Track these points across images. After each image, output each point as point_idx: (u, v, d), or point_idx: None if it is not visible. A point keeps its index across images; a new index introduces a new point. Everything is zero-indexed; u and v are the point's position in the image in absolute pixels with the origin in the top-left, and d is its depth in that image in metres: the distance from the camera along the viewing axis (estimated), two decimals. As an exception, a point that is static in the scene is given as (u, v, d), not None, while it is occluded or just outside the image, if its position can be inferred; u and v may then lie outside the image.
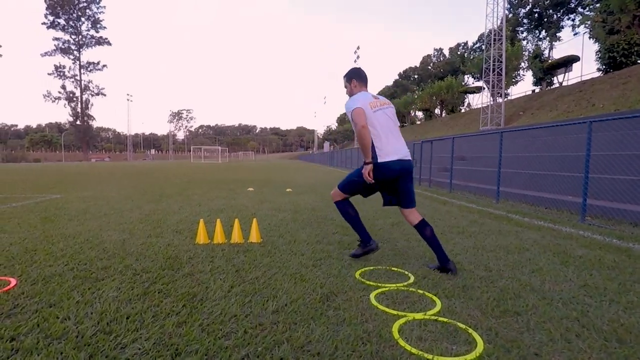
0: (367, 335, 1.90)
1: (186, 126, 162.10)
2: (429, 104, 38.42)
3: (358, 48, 46.33)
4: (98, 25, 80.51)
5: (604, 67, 19.06)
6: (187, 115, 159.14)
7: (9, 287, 2.48)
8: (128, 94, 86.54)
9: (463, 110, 35.90)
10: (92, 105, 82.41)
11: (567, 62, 21.47)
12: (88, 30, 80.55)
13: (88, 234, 4.29)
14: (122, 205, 6.80)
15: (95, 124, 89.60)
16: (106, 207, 6.54)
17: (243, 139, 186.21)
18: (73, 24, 78.95)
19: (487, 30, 19.11)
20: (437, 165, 12.68)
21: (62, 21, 78.31)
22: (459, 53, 46.15)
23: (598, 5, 21.23)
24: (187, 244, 3.81)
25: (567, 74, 21.88)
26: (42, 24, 78.08)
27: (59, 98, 79.39)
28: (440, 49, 53.23)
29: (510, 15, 18.49)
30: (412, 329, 1.98)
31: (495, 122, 17.54)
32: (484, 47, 36.32)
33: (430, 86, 38.92)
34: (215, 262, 3.18)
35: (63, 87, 79.81)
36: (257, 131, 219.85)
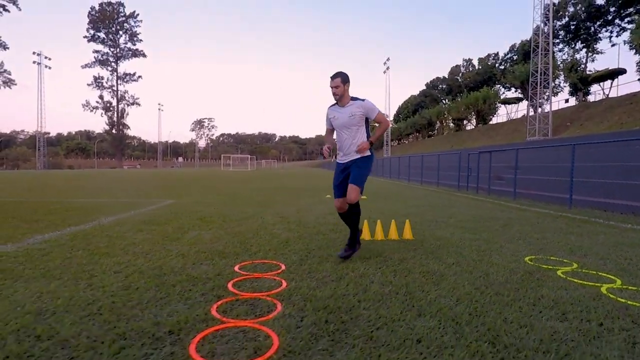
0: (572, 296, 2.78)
1: (208, 134, 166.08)
2: (463, 114, 38.86)
3: (388, 59, 47.33)
4: (135, 38, 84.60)
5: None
6: (208, 124, 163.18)
7: (280, 270, 3.37)
8: (159, 104, 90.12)
9: (495, 121, 36.18)
10: (127, 114, 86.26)
11: (613, 74, 21.78)
12: (125, 43, 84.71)
13: (267, 227, 5.31)
14: (249, 209, 7.88)
15: (129, 132, 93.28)
16: (237, 209, 7.62)
17: (264, 147, 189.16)
18: (112, 37, 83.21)
19: (534, 43, 19.69)
20: (480, 174, 13.36)
21: (102, 34, 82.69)
22: (489, 63, 46.43)
23: (637, 17, 21.58)
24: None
25: (611, 85, 22.17)
26: (83, 37, 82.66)
27: (97, 107, 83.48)
28: (469, 59, 53.59)
29: (547, 28, 18.94)
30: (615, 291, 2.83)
31: (542, 132, 18.04)
32: (517, 57, 36.72)
33: (466, 96, 39.36)
34: (402, 250, 4.12)
35: (101, 97, 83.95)
36: (276, 139, 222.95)
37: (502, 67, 42.34)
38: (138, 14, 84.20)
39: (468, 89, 45.91)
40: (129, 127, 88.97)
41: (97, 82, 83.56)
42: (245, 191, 13.11)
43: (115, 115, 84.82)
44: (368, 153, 3.60)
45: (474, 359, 1.74)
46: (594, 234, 5.21)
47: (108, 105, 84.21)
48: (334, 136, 3.73)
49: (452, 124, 43.74)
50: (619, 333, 2.04)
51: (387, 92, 48.64)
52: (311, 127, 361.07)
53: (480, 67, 48.46)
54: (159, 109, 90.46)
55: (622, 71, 21.14)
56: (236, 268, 3.28)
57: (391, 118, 57.09)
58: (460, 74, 53.01)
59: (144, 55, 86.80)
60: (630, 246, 4.42)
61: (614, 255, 3.94)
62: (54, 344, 1.86)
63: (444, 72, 61.25)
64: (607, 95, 21.93)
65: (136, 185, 16.39)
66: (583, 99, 25.77)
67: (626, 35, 21.36)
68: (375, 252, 3.94)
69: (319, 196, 11.02)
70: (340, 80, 3.45)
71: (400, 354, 1.78)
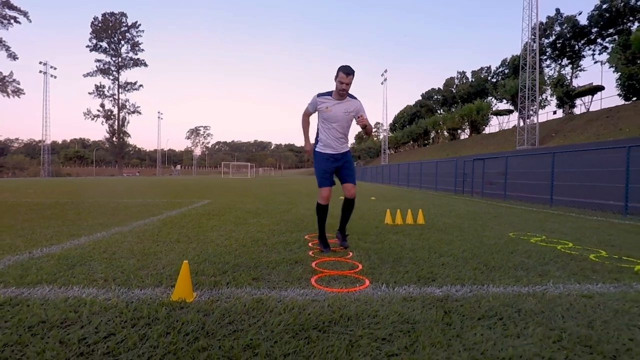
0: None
1: (203, 142, 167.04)
2: (457, 124, 40.76)
3: (385, 71, 49.26)
4: (137, 48, 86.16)
5: (624, 92, 21.26)
6: (204, 132, 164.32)
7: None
8: (159, 112, 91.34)
9: (487, 131, 38.00)
10: (128, 122, 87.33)
11: (594, 90, 23.72)
12: (127, 52, 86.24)
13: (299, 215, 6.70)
14: (282, 206, 9.26)
15: (130, 140, 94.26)
16: (272, 206, 9.00)
17: (260, 155, 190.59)
18: (114, 47, 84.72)
19: (523, 59, 21.48)
20: (467, 179, 14.87)
21: (104, 44, 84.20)
22: (482, 76, 48.59)
23: (617, 37, 23.51)
24: (379, 224, 6.18)
25: (591, 99, 24.14)
26: (86, 46, 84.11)
27: (98, 116, 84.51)
28: (463, 72, 55.86)
29: (534, 45, 20.70)
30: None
31: (530, 142, 19.70)
32: (508, 71, 38.79)
33: (460, 107, 41.38)
34: (409, 231, 5.54)
35: (102, 105, 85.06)
36: (272, 147, 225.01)
37: (494, 80, 44.53)
38: (140, 24, 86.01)
39: (462, 100, 48.00)
40: (129, 135, 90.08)
41: (99, 90, 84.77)
42: (264, 194, 14.47)
43: (116, 123, 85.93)
44: (348, 147, 3.90)
45: (475, 273, 3.14)
46: (564, 222, 6.67)
47: (109, 113, 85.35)
48: (323, 125, 3.74)
49: (447, 134, 45.64)
50: (562, 263, 3.47)
51: (385, 102, 50.54)
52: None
53: (473, 80, 50.64)
54: (159, 117, 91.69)
55: (601, 88, 23.08)
56: (306, 237, 4.67)
57: (387, 127, 58.99)
58: (455, 86, 55.21)
59: (145, 65, 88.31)
60: (589, 228, 5.88)
61: (575, 233, 5.39)
62: (236, 267, 3.25)
63: (439, 84, 63.44)
64: (588, 109, 23.82)
65: (161, 190, 17.67)
66: (569, 111, 27.60)
67: (607, 54, 23.32)
68: (399, 230, 5.35)
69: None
70: (352, 78, 3.48)
71: (431, 267, 3.20)
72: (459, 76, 55.28)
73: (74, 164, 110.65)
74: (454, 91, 53.77)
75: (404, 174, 25.27)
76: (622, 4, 27.04)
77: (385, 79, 49.77)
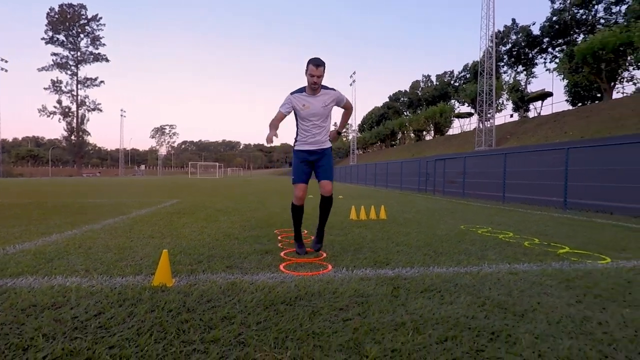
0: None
1: (169, 142, 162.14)
2: (422, 126, 42.29)
3: (354, 73, 50.17)
4: (97, 42, 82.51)
5: (570, 98, 23.13)
6: (170, 131, 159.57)
7: (305, 232, 5.12)
8: (122, 110, 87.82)
9: (451, 133, 39.73)
10: (87, 120, 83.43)
11: (543, 96, 25.58)
12: (87, 46, 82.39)
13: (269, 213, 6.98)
14: (252, 205, 9.46)
15: (89, 139, 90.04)
16: (242, 205, 9.18)
17: (229, 155, 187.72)
18: (72, 40, 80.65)
19: (480, 66, 22.78)
20: (433, 178, 15.73)
21: (61, 37, 79.97)
22: (445, 80, 50.67)
23: (565, 49, 25.44)
24: (345, 219, 6.57)
25: (542, 104, 26.06)
26: (41, 39, 79.50)
27: (54, 113, 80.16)
28: (428, 75, 57.92)
29: (492, 53, 22.19)
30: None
31: (487, 143, 20.96)
32: (469, 76, 40.74)
33: (425, 109, 43.00)
34: (371, 225, 5.98)
35: (59, 102, 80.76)
36: (241, 147, 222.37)
37: (456, 84, 46.59)
38: (101, 18, 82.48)
39: (427, 103, 49.83)
40: (89, 134, 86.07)
41: (56, 86, 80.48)
42: (234, 193, 14.56)
43: (75, 121, 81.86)
44: (331, 143, 3.72)
45: (424, 257, 3.57)
46: (511, 216, 7.36)
47: (67, 110, 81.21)
48: (301, 124, 3.58)
49: (413, 135, 47.25)
50: (499, 249, 3.99)
51: (354, 103, 51.53)
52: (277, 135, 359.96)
53: (437, 83, 52.68)
54: (122, 115, 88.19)
55: (550, 94, 24.98)
56: (276, 231, 4.97)
57: (357, 128, 60.14)
58: (420, 89, 57.17)
59: (107, 60, 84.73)
60: (531, 221, 6.56)
61: (517, 225, 6.03)
62: (210, 257, 3.51)
63: (406, 86, 65.35)
64: (539, 113, 25.69)
65: (127, 190, 17.27)
66: (524, 115, 29.45)
67: (556, 63, 25.28)
68: (363, 225, 5.76)
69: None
70: (323, 69, 3.36)
71: (387, 254, 3.60)
72: (424, 79, 57.35)
73: (26, 164, 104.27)
74: (420, 94, 55.73)
75: (371, 173, 26.02)
76: (569, 17, 29.29)
77: (354, 81, 50.76)
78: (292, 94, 3.50)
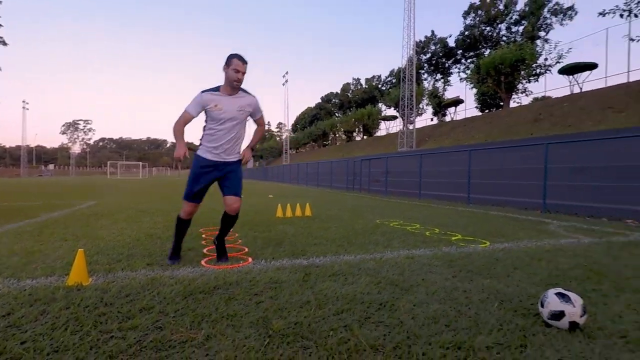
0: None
1: (83, 138, 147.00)
2: (352, 127, 44.01)
3: (287, 73, 50.45)
4: (-9, 25, 71.75)
5: (479, 106, 26.05)
6: (84, 127, 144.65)
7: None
8: (24, 101, 77.83)
9: (379, 134, 41.92)
10: (-21, 113, 72.20)
11: (457, 103, 28.41)
12: (-23, 29, 71.26)
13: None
14: (178, 205, 9.21)
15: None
16: (169, 206, 8.91)
17: (154, 154, 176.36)
18: (-41, 21, 69.22)
19: (403, 73, 24.51)
20: (358, 177, 16.74)
21: (-57, 16, 68.11)
22: (374, 84, 53.27)
23: (475, 61, 28.42)
24: (272, 217, 6.82)
25: (455, 110, 28.97)
26: None
27: None
28: (357, 78, 60.35)
29: (413, 61, 24.12)
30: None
31: (409, 145, 22.70)
32: (395, 81, 43.43)
33: (354, 112, 44.79)
34: (297, 222, 6.32)
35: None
36: (168, 146, 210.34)
37: (383, 88, 49.32)
38: (-4, -3, 71.86)
39: (357, 105, 51.94)
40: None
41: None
42: (159, 194, 13.93)
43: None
44: (240, 156, 3.24)
45: (338, 248, 3.96)
46: (423, 210, 8.21)
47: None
48: (211, 129, 3.09)
49: (343, 135, 48.96)
50: (404, 238, 4.54)
51: (286, 103, 51.80)
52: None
53: (366, 87, 55.16)
54: (24, 108, 78.15)
55: (462, 101, 27.94)
56: (200, 230, 5.04)
57: (290, 128, 60.58)
58: (350, 91, 59.37)
59: (5, 44, 74.19)
60: (438, 215, 7.41)
61: (425, 218, 6.79)
62: (130, 256, 3.52)
63: (337, 88, 67.30)
64: (453, 118, 28.48)
65: (37, 191, 15.52)
66: (442, 119, 32.19)
67: (466, 73, 28.30)
68: (287, 222, 6.05)
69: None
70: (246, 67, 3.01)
71: (305, 247, 3.93)
72: (354, 82, 59.73)
73: None
74: (350, 96, 57.88)
75: (303, 173, 26.54)
76: (478, 33, 32.84)
77: (286, 80, 51.08)
78: (203, 92, 3.01)
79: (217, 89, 3.04)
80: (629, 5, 13.63)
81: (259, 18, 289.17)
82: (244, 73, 2.98)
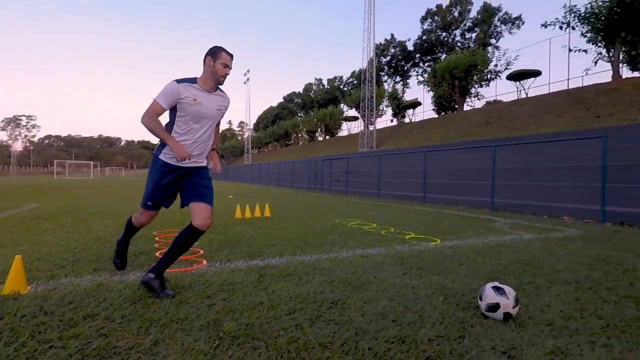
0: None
1: (26, 136, 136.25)
2: (314, 127, 44.22)
3: (248, 71, 49.73)
4: None
5: (436, 108, 27.18)
6: (27, 123, 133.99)
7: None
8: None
9: (341, 134, 42.50)
10: None
11: (415, 105, 29.42)
12: None
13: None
14: (131, 206, 8.80)
15: None
16: (122, 207, 8.50)
17: (107, 153, 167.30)
18: None
19: (363, 74, 25.01)
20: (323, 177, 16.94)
21: None
22: (336, 85, 53.84)
23: (432, 65, 29.58)
24: (230, 218, 6.72)
25: (413, 112, 30.03)
26: None
27: None
28: (320, 79, 60.73)
29: (374, 63, 24.73)
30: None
31: (369, 145, 23.20)
32: (356, 82, 44.20)
33: (316, 112, 45.03)
34: (253, 223, 6.29)
35: None
36: (122, 144, 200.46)
37: (345, 88, 49.99)
38: None
39: (319, 105, 52.22)
40: None
41: None
42: (111, 195, 13.25)
43: None
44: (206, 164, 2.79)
45: (295, 248, 3.99)
46: (381, 210, 8.45)
47: None
48: (183, 126, 2.58)
49: (306, 135, 49.06)
50: (360, 238, 4.66)
51: (248, 102, 51.12)
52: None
53: (329, 87, 55.63)
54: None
55: (419, 103, 29.00)
56: (154, 232, 4.88)
57: (252, 127, 59.84)
58: (313, 91, 59.63)
59: None
60: (394, 214, 7.65)
61: (382, 217, 6.99)
62: (75, 262, 3.35)
63: (300, 88, 67.35)
64: (411, 120, 29.50)
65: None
66: (401, 120, 33.15)
67: (423, 77, 29.44)
68: (246, 222, 6.00)
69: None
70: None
71: (262, 247, 3.93)
72: (317, 82, 60.09)
73: None
74: (313, 96, 58.11)
75: (265, 173, 26.32)
76: (434, 38, 34.20)
77: (247, 79, 50.34)
78: (179, 82, 2.52)
79: (193, 80, 2.59)
80: (567, 19, 14.79)
81: (217, 11, 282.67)
82: (230, 69, 2.64)
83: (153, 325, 1.97)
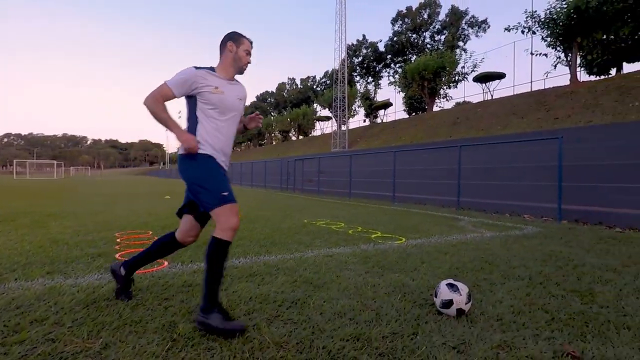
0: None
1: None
2: (288, 126, 44.08)
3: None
4: None
5: (407, 109, 27.75)
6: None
7: (148, 234, 5.04)
8: None
9: (314, 134, 42.59)
10: None
11: (386, 105, 29.95)
12: None
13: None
14: (94, 207, 8.46)
15: None
16: (84, 208, 8.15)
17: (72, 152, 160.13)
18: None
19: (335, 74, 25.17)
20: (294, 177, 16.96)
21: None
22: (309, 85, 53.90)
23: (403, 66, 30.16)
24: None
25: (385, 112, 30.59)
26: None
27: None
28: (293, 78, 60.57)
29: (346, 63, 25.00)
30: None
31: (342, 145, 23.39)
32: (329, 82, 44.38)
33: (289, 112, 44.87)
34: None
35: None
36: (88, 143, 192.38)
37: (318, 88, 50.16)
38: None
39: (292, 105, 52.14)
40: None
41: None
42: (74, 196, 12.69)
43: None
44: None
45: (260, 249, 3.98)
46: (350, 209, 8.54)
47: None
48: (209, 124, 2.21)
49: (279, 135, 48.82)
50: (327, 237, 4.70)
51: (220, 100, 50.16)
52: (134, 131, 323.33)
53: (302, 87, 55.61)
54: None
55: (390, 104, 29.58)
56: (116, 234, 4.73)
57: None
58: (286, 91, 59.42)
59: None
60: (363, 213, 7.76)
61: (351, 216, 7.07)
62: (27, 265, 3.20)
63: (273, 87, 66.90)
64: (383, 120, 30.03)
65: None
66: (374, 120, 33.61)
67: (394, 78, 30.02)
68: (213, 222, 5.89)
69: (157, 199, 12.01)
70: None
71: (231, 247, 3.90)
72: (290, 82, 59.92)
73: None
74: (286, 95, 57.93)
75: (237, 173, 25.99)
76: (405, 40, 34.94)
77: (220, 77, 49.32)
78: (197, 68, 2.18)
79: (212, 69, 2.26)
80: (529, 23, 15.48)
81: (187, 6, 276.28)
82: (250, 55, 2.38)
83: (105, 329, 1.91)
